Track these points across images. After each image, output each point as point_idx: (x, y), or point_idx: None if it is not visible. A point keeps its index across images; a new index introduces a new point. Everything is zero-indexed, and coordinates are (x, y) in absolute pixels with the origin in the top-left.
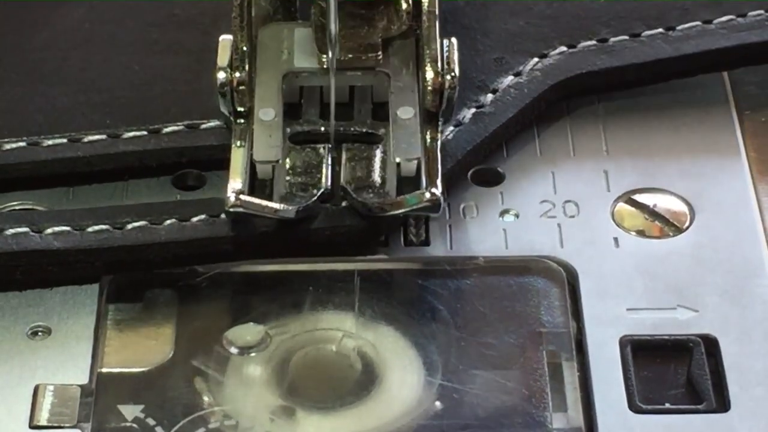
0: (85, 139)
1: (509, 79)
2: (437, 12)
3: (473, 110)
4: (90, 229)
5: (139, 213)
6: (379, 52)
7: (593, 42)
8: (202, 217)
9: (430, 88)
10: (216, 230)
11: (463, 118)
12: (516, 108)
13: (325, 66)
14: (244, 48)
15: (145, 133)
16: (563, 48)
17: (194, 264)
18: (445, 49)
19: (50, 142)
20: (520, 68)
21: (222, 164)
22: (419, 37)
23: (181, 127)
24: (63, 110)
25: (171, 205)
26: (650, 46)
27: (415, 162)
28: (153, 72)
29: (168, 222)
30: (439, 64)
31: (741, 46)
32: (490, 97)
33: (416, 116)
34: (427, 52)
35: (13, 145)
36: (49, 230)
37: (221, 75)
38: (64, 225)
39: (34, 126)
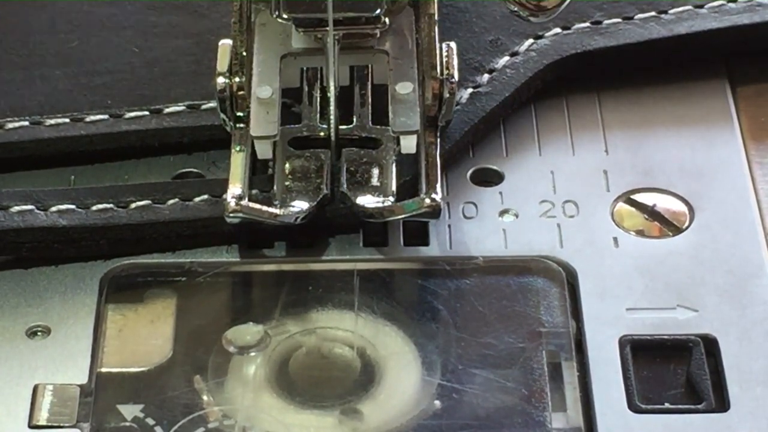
0: (88, 119)
1: (505, 60)
2: (436, 16)
3: (470, 90)
4: (94, 208)
5: (142, 192)
6: (379, 24)
7: (587, 24)
8: (205, 197)
9: (429, 93)
10: (218, 210)
11: (461, 98)
12: (512, 87)
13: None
14: (244, 53)
15: (146, 113)
16: (558, 30)
17: (196, 246)
18: (444, 53)
19: (52, 122)
20: (516, 49)
21: (223, 144)
22: (418, 28)
23: (182, 108)
24: (64, 92)
25: (174, 185)
26: (643, 28)
27: (415, 138)
28: (152, 54)
29: (171, 201)
30: (439, 69)
31: (732, 28)
32: (486, 77)
33: (415, 91)
34: (426, 57)
35: (16, 124)
36: (54, 208)
37: (221, 80)
38: (68, 203)
39: (36, 107)
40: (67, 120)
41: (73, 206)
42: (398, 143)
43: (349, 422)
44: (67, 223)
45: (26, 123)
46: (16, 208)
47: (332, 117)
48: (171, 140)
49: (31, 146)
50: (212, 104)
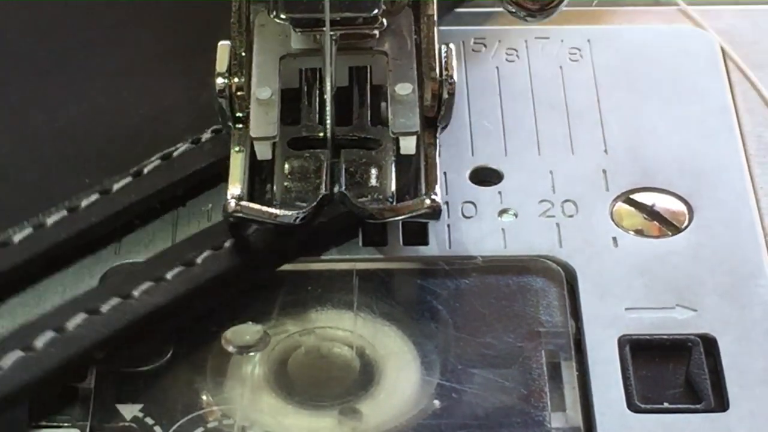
0: (83, 204)
1: None
2: (436, 17)
3: None
4: (169, 275)
5: (199, 244)
6: (377, 25)
7: None
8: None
9: (428, 94)
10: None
11: None
12: None
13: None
14: (243, 54)
15: (130, 179)
16: None
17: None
18: (443, 54)
19: (53, 220)
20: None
21: (213, 183)
22: (417, 31)
23: (158, 162)
24: (37, 180)
25: (219, 227)
26: None
27: (414, 139)
28: (95, 113)
29: (227, 243)
30: (438, 70)
31: None
32: None
33: (414, 92)
34: (425, 58)
35: (21, 236)
36: (137, 291)
37: (220, 80)
38: (146, 282)
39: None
40: (65, 212)
41: (152, 283)
42: (397, 144)
43: (348, 422)
44: (164, 299)
45: (30, 230)
46: (105, 307)
47: (328, 117)
48: (167, 197)
49: (40, 260)
50: (182, 149)
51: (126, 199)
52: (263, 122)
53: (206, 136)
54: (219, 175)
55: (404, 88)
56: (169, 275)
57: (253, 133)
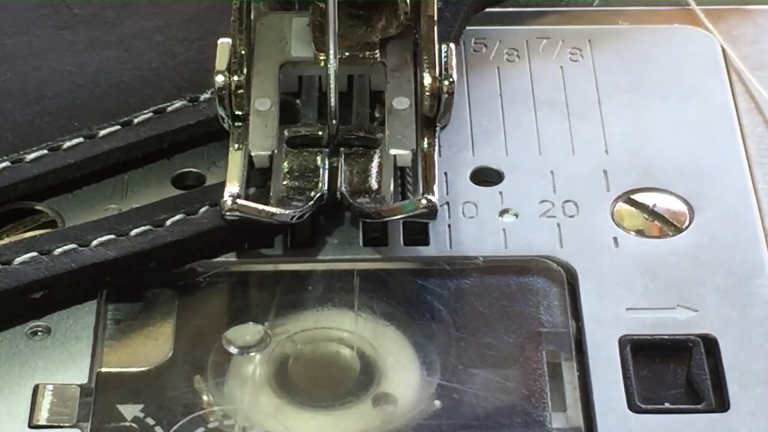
0: (65, 146)
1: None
2: (436, 17)
3: None
4: (133, 233)
5: (172, 207)
6: (377, 51)
7: None
8: None
9: (428, 93)
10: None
11: None
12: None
13: (322, 63)
14: (243, 52)
15: (118, 127)
16: None
17: (237, 248)
18: (443, 54)
19: (32, 156)
20: None
21: (199, 142)
22: (417, 38)
23: (150, 115)
24: (26, 124)
25: (198, 193)
26: None
27: (410, 154)
28: (89, 69)
29: (203, 210)
30: (437, 69)
31: None
32: None
33: (411, 107)
34: (425, 57)
35: None
36: (96, 242)
37: (219, 78)
38: (107, 234)
39: (7, 144)
40: (46, 151)
41: (112, 236)
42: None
43: (348, 422)
44: (117, 253)
45: (8, 163)
46: (59, 250)
47: (333, 120)
48: (152, 149)
49: (23, 186)
50: (177, 105)
51: (107, 144)
52: (261, 135)
53: (204, 96)
54: (210, 133)
55: (401, 103)
56: (133, 232)
57: (252, 148)
